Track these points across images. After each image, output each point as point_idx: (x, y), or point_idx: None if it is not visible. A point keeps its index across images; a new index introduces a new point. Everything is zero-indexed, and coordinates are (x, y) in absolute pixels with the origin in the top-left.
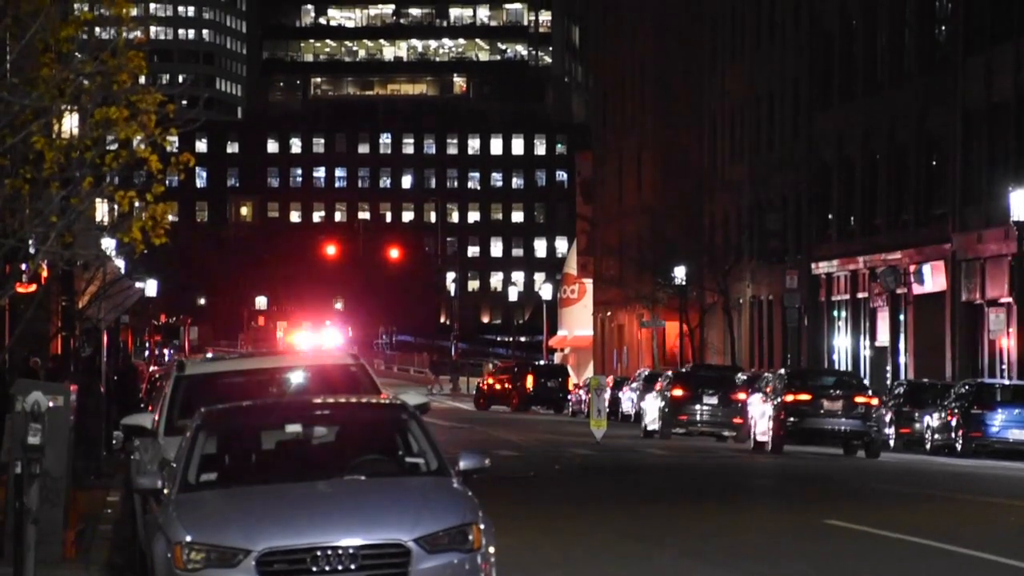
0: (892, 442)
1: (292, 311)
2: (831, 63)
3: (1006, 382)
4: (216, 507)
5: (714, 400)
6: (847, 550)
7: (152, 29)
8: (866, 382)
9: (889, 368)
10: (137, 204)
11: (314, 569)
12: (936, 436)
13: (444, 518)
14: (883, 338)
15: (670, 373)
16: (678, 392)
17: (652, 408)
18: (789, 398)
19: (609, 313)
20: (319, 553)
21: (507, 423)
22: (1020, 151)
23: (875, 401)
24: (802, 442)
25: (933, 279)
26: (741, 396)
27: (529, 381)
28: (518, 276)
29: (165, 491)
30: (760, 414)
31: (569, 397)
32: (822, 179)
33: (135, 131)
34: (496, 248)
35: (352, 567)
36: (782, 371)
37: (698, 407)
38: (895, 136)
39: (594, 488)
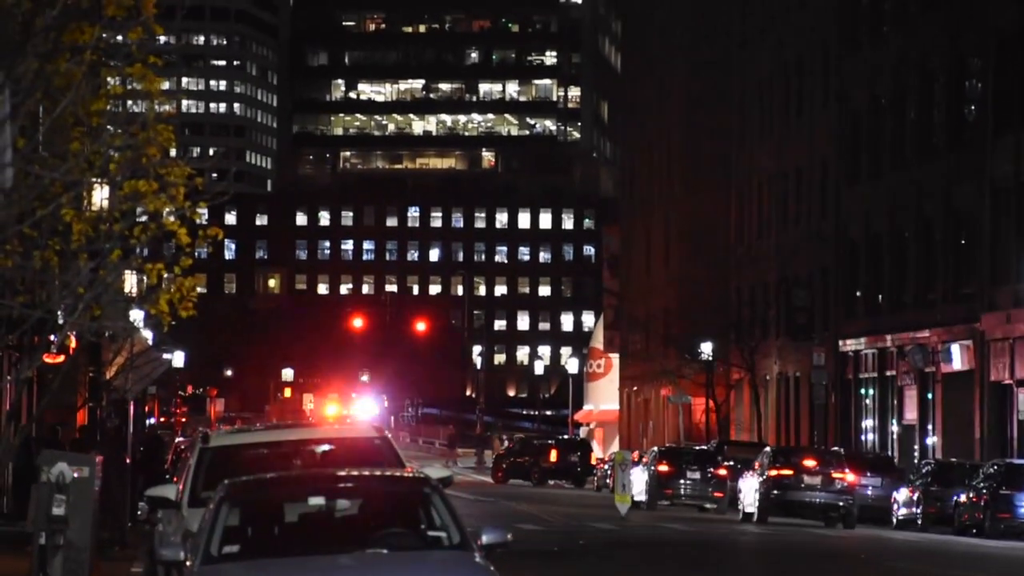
0: (920, 520)
1: (322, 383)
2: (859, 139)
3: None
4: None
5: (696, 475)
6: None
7: (184, 102)
8: (843, 458)
9: (917, 447)
10: (166, 276)
11: None
12: (964, 516)
13: None
14: (911, 416)
15: (655, 449)
16: (663, 467)
17: (639, 481)
18: (773, 473)
19: (635, 388)
20: None
21: (529, 497)
22: None
23: (851, 478)
24: (785, 514)
25: (962, 358)
26: (722, 472)
27: (552, 455)
28: (544, 350)
29: (188, 563)
30: (749, 488)
31: (593, 471)
32: (850, 256)
33: (164, 204)
34: (523, 322)
35: None
36: (768, 448)
37: (682, 481)
38: (923, 213)
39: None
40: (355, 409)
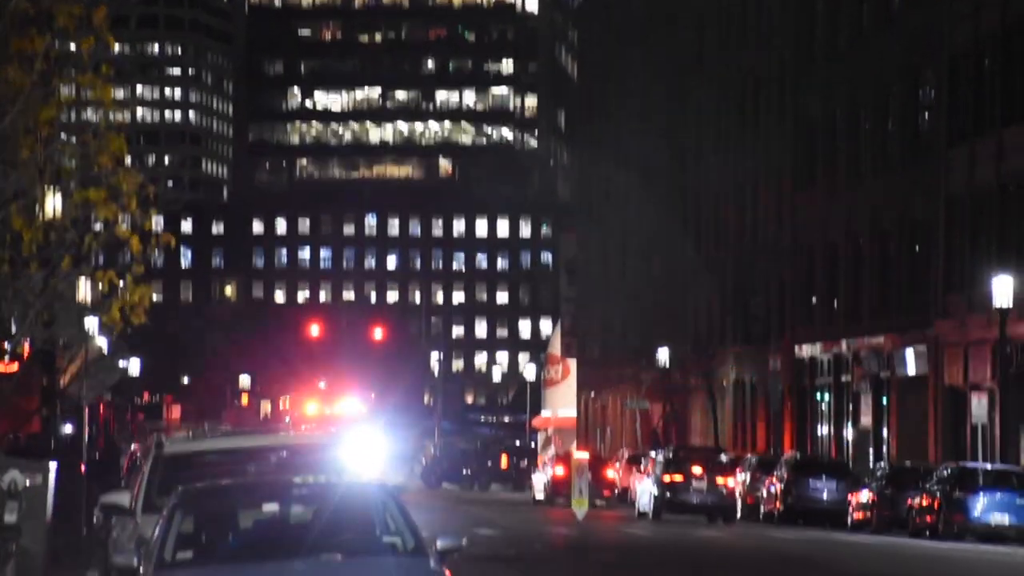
0: (874, 523)
1: (302, 382)
2: (815, 150)
3: (988, 466)
4: None
5: (589, 476)
6: None
7: (138, 111)
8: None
9: (872, 451)
10: (120, 284)
11: None
12: (918, 518)
13: None
14: (866, 421)
15: (550, 455)
16: (559, 470)
17: (540, 483)
18: (667, 478)
19: (593, 394)
20: None
21: (478, 502)
22: (1001, 239)
23: (731, 482)
24: (675, 512)
25: (916, 363)
26: (610, 473)
27: (503, 461)
28: (502, 356)
29: (141, 569)
30: (644, 489)
31: (533, 475)
32: (806, 264)
33: (115, 212)
34: (481, 329)
35: None
36: (660, 455)
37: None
38: (878, 222)
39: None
40: (340, 408)
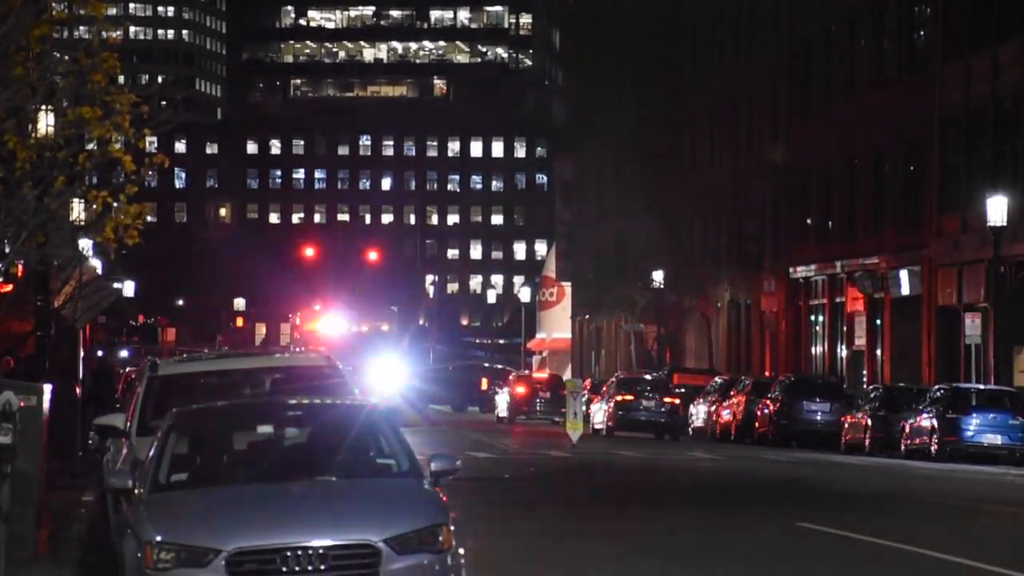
0: (868, 445)
1: (308, 299)
2: (809, 67)
3: (981, 387)
4: (187, 507)
5: (547, 395)
6: (824, 553)
7: (131, 29)
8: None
9: (866, 372)
10: (116, 204)
11: (284, 569)
12: (911, 440)
13: (414, 519)
14: (860, 342)
15: (512, 376)
16: (520, 390)
17: (502, 402)
18: (619, 398)
19: (587, 316)
20: (289, 553)
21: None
22: (996, 157)
23: (677, 401)
24: (627, 430)
25: (910, 283)
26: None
27: (484, 383)
28: (497, 279)
29: (136, 491)
30: (598, 409)
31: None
32: (801, 183)
33: (109, 131)
34: (475, 251)
35: (322, 567)
36: (614, 378)
37: (536, 400)
38: (873, 141)
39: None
40: (321, 324)
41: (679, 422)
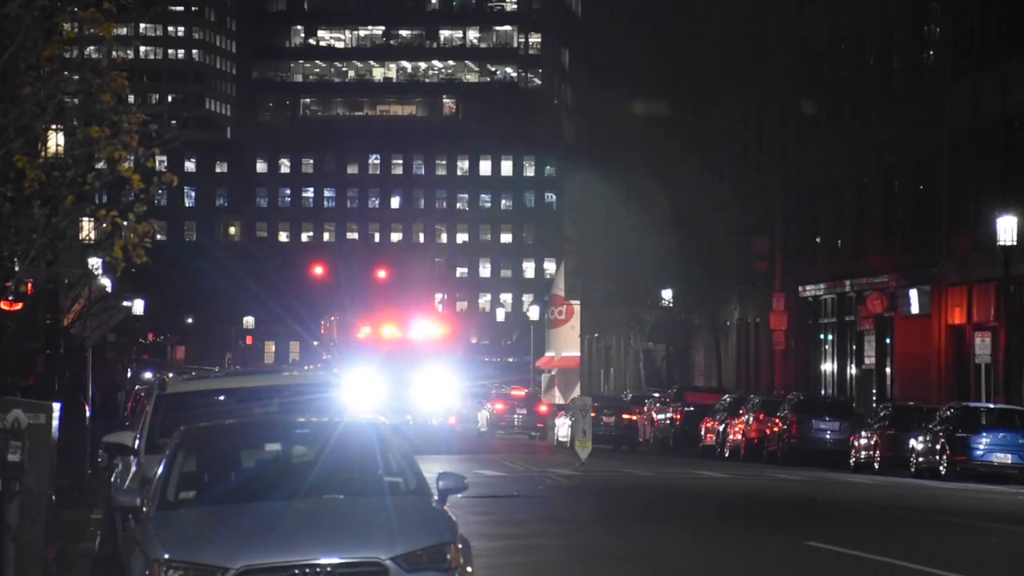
0: (877, 464)
1: (377, 309)
2: (819, 85)
3: (991, 406)
4: (194, 525)
5: (524, 411)
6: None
7: (141, 48)
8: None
9: (875, 390)
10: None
11: None
12: (921, 459)
13: (422, 537)
14: (869, 361)
15: (492, 392)
16: (499, 406)
17: (483, 417)
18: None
19: (596, 334)
20: (296, 571)
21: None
22: (1006, 175)
23: (634, 417)
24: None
25: (920, 302)
26: (542, 408)
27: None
28: (506, 297)
29: (144, 509)
30: (563, 423)
31: (479, 411)
32: (810, 202)
33: (117, 150)
34: (484, 269)
35: None
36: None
37: (515, 416)
38: (883, 159)
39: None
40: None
41: (634, 435)
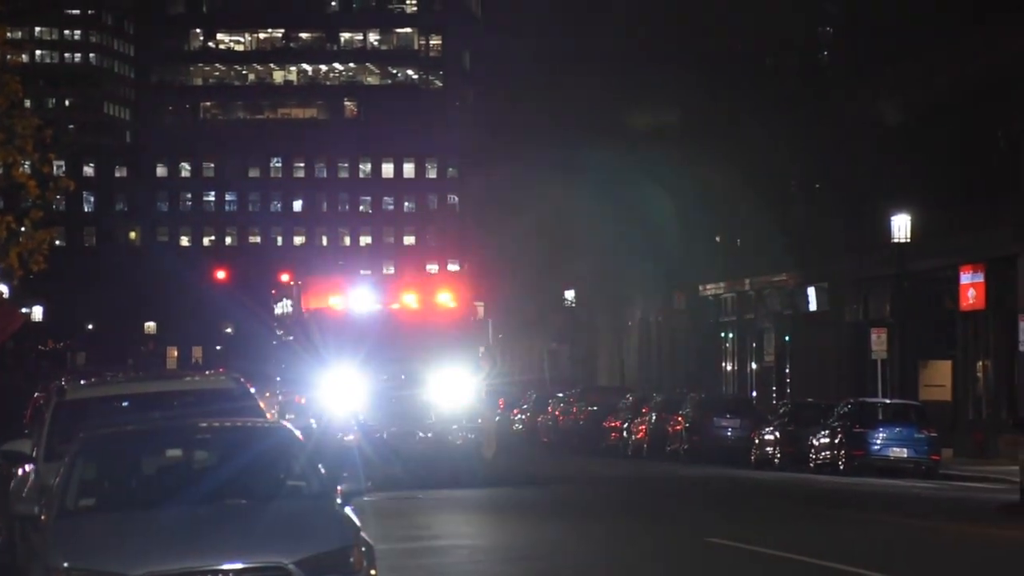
0: (778, 460)
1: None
2: (718, 91)
3: (887, 401)
4: (94, 532)
5: None
6: (728, 569)
7: (37, 52)
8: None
9: (775, 388)
10: (23, 229)
11: None
12: (820, 454)
13: (325, 541)
14: (770, 358)
15: None
16: None
17: None
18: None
19: (501, 336)
20: None
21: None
22: (900, 174)
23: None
24: None
25: (818, 300)
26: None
27: None
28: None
29: (43, 517)
30: None
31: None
32: (709, 204)
33: (12, 155)
34: (389, 271)
35: None
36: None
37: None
38: (779, 160)
39: None
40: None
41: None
